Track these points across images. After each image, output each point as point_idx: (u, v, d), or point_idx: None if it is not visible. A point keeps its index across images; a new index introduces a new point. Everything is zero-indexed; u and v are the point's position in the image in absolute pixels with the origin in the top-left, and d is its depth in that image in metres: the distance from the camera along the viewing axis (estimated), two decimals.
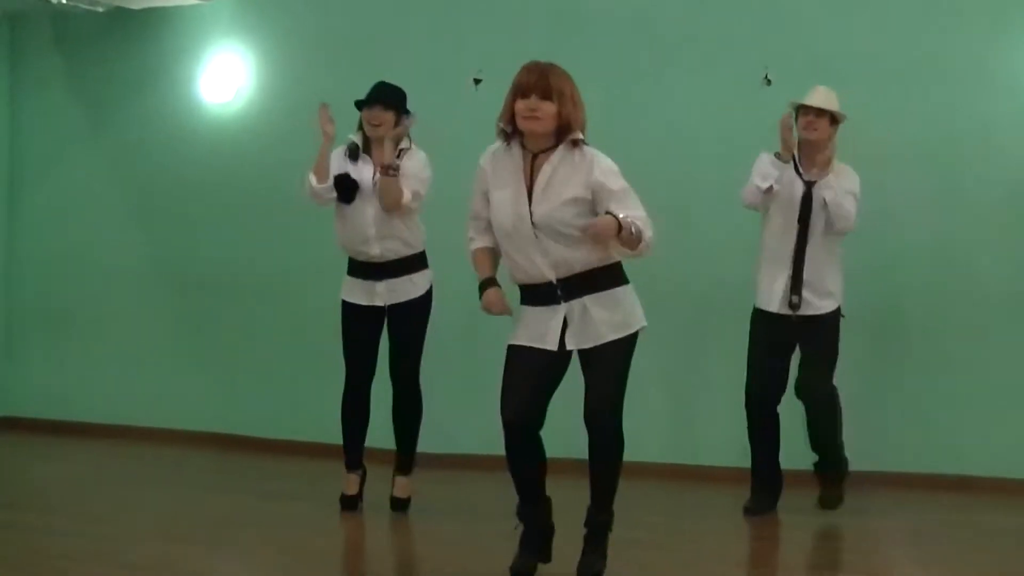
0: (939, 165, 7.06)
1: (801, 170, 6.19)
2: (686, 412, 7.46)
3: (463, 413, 7.37)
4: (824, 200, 6.08)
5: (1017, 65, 6.99)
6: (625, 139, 7.40)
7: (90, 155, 8.93)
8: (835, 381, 6.34)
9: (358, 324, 6.33)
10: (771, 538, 6.07)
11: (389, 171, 5.98)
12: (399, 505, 6.31)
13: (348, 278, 6.38)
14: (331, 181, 6.15)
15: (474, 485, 6.97)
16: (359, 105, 6.21)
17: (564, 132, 4.65)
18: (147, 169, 8.72)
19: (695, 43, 7.46)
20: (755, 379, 6.34)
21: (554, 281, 4.67)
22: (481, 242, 4.86)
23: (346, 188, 6.15)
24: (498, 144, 4.78)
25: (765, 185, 6.12)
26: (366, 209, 6.15)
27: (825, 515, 6.30)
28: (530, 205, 4.64)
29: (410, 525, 6.20)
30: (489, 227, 4.80)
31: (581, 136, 4.67)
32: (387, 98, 6.18)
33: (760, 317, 6.33)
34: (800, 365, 6.33)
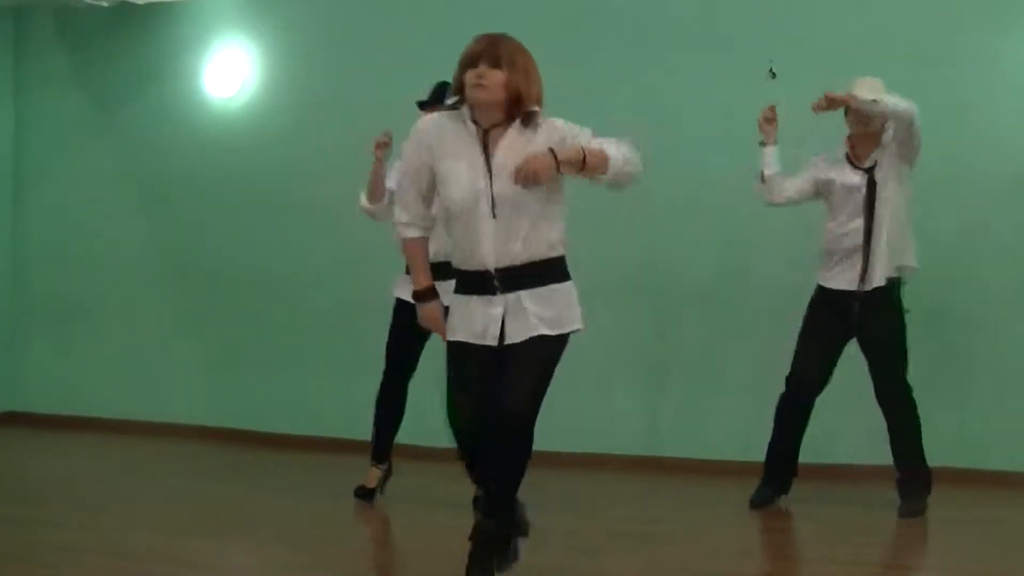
0: (945, 160, 7.00)
1: (856, 162, 6.13)
2: (694, 406, 7.44)
3: None
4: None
5: (1020, 55, 6.96)
6: (626, 135, 7.43)
7: (95, 149, 8.92)
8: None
9: (406, 322, 6.26)
10: (778, 530, 6.06)
11: None
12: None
13: (404, 276, 6.29)
14: (387, 200, 6.05)
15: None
16: (421, 105, 6.15)
17: (515, 105, 4.35)
18: (152, 163, 8.71)
19: (699, 36, 7.43)
20: (802, 365, 6.21)
21: (492, 270, 4.39)
22: (417, 229, 4.53)
23: None
24: (438, 114, 4.53)
25: (770, 171, 6.19)
26: None
27: (833, 508, 6.28)
28: (490, 180, 4.35)
29: (415, 520, 6.19)
30: (426, 206, 4.51)
31: (537, 109, 4.38)
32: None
33: (824, 298, 6.19)
34: (869, 368, 6.18)
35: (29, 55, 9.11)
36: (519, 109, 4.37)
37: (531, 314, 4.38)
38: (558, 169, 4.26)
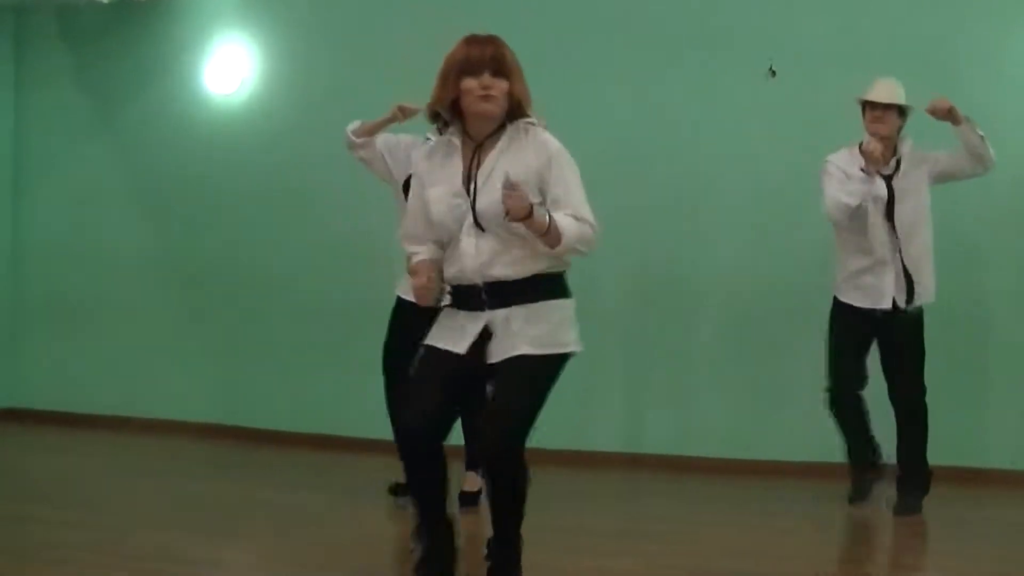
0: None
1: (868, 170, 6.04)
2: (689, 405, 7.44)
3: None
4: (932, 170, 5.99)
5: (1021, 57, 6.96)
6: (628, 135, 7.43)
7: (95, 147, 8.93)
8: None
9: (411, 320, 6.22)
10: (779, 530, 6.05)
11: None
12: (469, 499, 6.14)
13: (406, 275, 6.26)
14: (363, 140, 6.05)
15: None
16: None
17: (513, 114, 4.09)
18: (152, 161, 8.72)
19: (699, 36, 7.43)
20: (839, 379, 6.17)
21: (480, 284, 4.10)
22: (425, 252, 4.21)
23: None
24: (433, 141, 4.27)
25: (855, 203, 5.95)
26: None
27: (836, 507, 6.26)
28: (474, 196, 4.07)
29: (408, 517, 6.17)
30: (427, 239, 4.23)
31: (533, 121, 4.13)
32: None
33: (851, 315, 6.12)
34: (888, 369, 6.17)
35: (30, 53, 9.12)
36: (515, 118, 4.12)
37: (515, 332, 4.05)
38: (524, 219, 3.95)
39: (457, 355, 4.10)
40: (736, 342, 7.24)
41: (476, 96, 4.04)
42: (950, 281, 7.00)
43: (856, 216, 5.97)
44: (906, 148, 6.08)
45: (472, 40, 4.11)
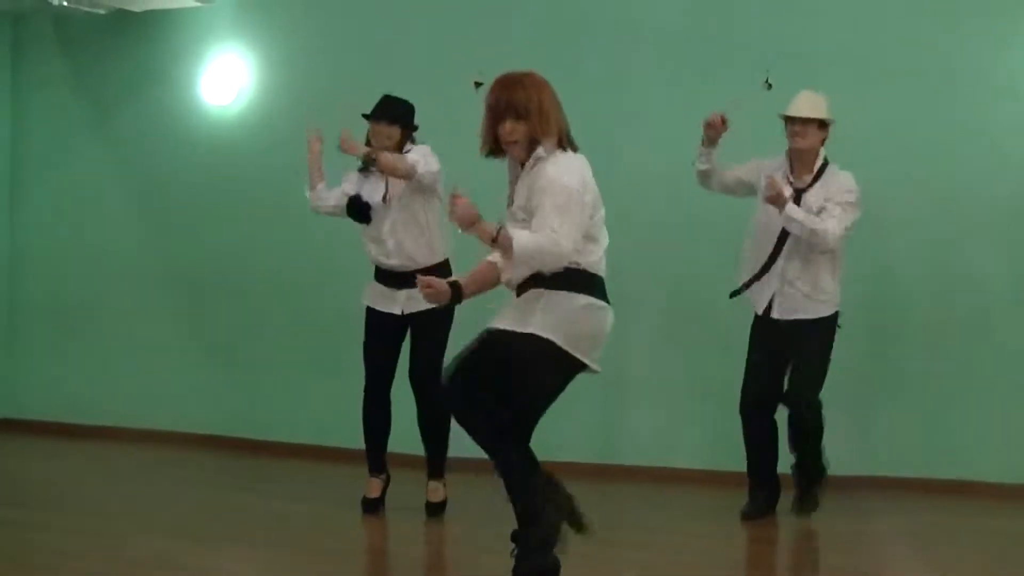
0: (940, 165, 7.07)
1: (791, 178, 6.18)
2: (675, 416, 7.46)
3: None
4: (812, 208, 6.04)
5: (1018, 64, 7.00)
6: (624, 144, 7.45)
7: (92, 155, 8.93)
8: (827, 387, 6.25)
9: (379, 330, 6.34)
10: (767, 540, 6.08)
11: (370, 158, 6.06)
12: (434, 509, 6.30)
13: (372, 283, 6.38)
14: (322, 187, 6.35)
15: (481, 488, 6.97)
16: (367, 117, 6.24)
17: (534, 147, 4.63)
18: (148, 170, 8.73)
19: (694, 47, 7.47)
20: (748, 384, 6.31)
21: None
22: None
23: (359, 210, 6.24)
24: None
25: (702, 167, 6.25)
26: (383, 223, 6.22)
27: (821, 518, 6.29)
28: (509, 216, 4.68)
29: (408, 527, 6.20)
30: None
31: (542, 152, 4.61)
32: (393, 113, 6.22)
33: (756, 320, 6.32)
34: (791, 373, 6.26)
35: (27, 60, 9.13)
36: (536, 149, 4.61)
37: (506, 309, 4.64)
38: (469, 227, 4.50)
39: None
40: (722, 353, 7.19)
41: (505, 142, 4.63)
42: (945, 288, 7.07)
43: (709, 185, 6.30)
44: (827, 170, 6.14)
45: (496, 84, 4.67)
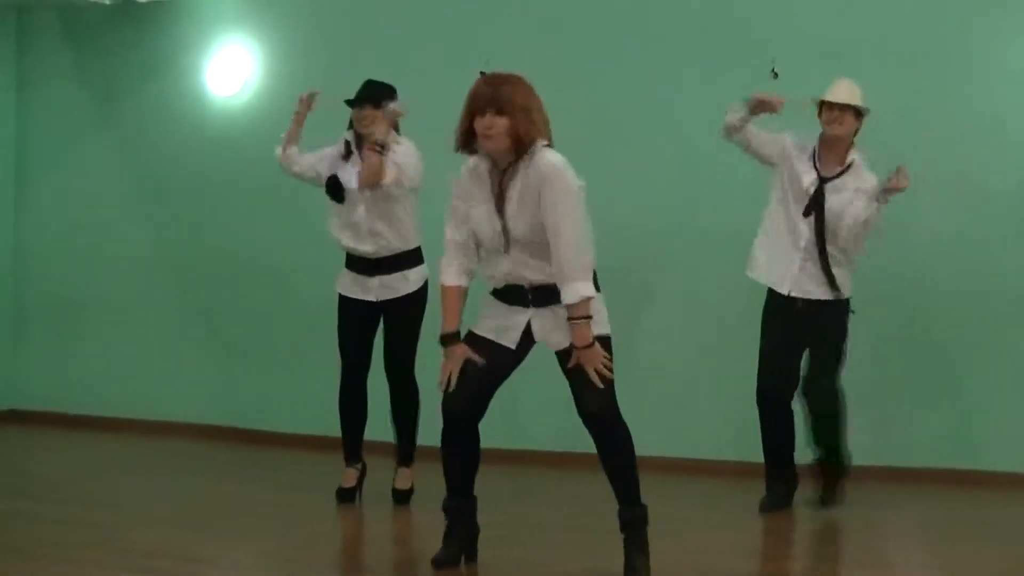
0: (951, 157, 7.01)
1: (819, 164, 6.13)
2: (688, 406, 7.42)
3: None
4: (851, 216, 5.98)
5: None
6: (629, 136, 7.42)
7: (97, 147, 8.93)
8: (844, 376, 6.25)
9: (352, 317, 6.35)
10: (781, 530, 6.06)
11: (376, 147, 6.00)
12: (401, 496, 6.34)
13: (345, 271, 6.40)
14: (294, 151, 6.40)
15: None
16: (350, 104, 6.20)
17: (521, 146, 4.53)
18: (154, 161, 8.72)
19: (700, 36, 7.43)
20: (765, 373, 6.25)
21: (526, 287, 4.65)
22: (456, 277, 4.74)
23: (336, 189, 6.24)
24: (474, 158, 4.69)
25: (734, 121, 6.12)
26: (356, 207, 6.22)
27: (835, 509, 6.25)
28: (504, 221, 4.58)
29: (408, 516, 6.21)
30: (468, 249, 4.73)
31: (537, 148, 4.54)
32: (376, 96, 6.20)
33: (772, 299, 6.23)
34: (808, 358, 6.23)
35: (32, 52, 9.13)
36: (520, 150, 4.53)
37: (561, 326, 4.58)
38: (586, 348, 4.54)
39: (505, 348, 4.67)
40: (734, 343, 7.17)
41: (480, 135, 4.52)
42: (957, 279, 7.03)
43: (731, 138, 6.18)
44: (857, 160, 6.09)
45: (483, 80, 4.62)
